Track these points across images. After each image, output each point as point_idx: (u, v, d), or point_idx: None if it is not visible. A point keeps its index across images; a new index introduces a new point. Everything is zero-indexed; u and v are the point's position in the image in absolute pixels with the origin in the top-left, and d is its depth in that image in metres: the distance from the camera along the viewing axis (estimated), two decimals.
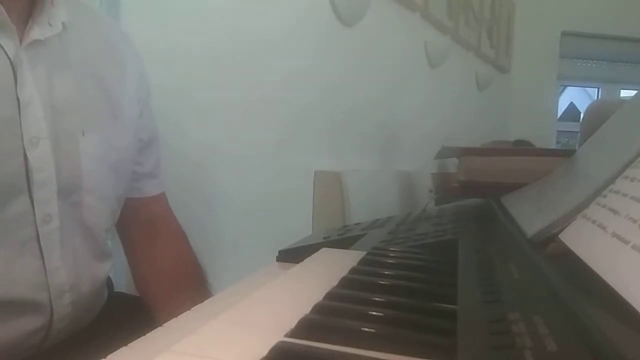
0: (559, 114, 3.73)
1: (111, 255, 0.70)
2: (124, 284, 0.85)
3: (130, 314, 0.70)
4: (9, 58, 0.54)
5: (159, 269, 0.75)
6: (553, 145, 3.44)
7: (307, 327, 0.29)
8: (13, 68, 0.54)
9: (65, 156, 0.59)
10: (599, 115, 0.75)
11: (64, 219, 0.59)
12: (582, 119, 1.35)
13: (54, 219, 0.57)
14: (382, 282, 0.38)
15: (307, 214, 1.30)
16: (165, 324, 0.35)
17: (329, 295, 0.35)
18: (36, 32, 0.56)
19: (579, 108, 3.99)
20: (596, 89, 3.73)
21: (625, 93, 3.63)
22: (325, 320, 0.31)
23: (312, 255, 0.51)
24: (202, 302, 0.40)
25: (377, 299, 0.34)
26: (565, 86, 3.79)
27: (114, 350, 0.30)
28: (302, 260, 0.49)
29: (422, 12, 1.82)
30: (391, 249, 0.49)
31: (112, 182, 0.65)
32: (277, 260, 0.56)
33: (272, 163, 1.18)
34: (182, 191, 0.91)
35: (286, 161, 1.22)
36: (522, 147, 1.81)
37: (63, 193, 0.58)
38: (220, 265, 0.99)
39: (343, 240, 0.59)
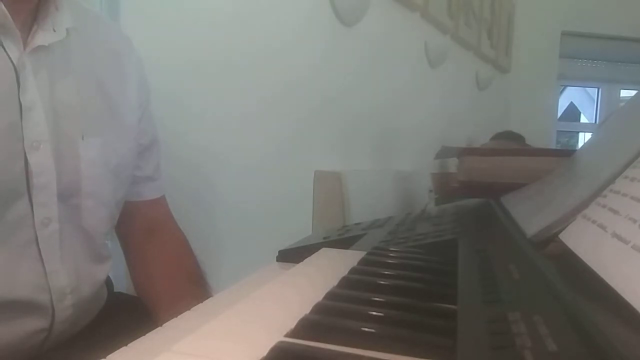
0: (559, 114, 3.73)
1: (110, 257, 0.70)
2: (124, 284, 0.85)
3: (130, 314, 0.70)
4: (12, 63, 0.54)
5: (157, 273, 0.75)
6: (553, 145, 3.43)
7: (307, 327, 0.29)
8: (16, 73, 0.54)
9: (65, 160, 0.59)
10: None
11: (63, 222, 0.59)
12: None
13: (53, 222, 0.58)
14: (382, 282, 0.38)
15: (307, 214, 1.30)
16: (165, 324, 0.35)
17: (329, 295, 0.35)
18: (40, 37, 0.57)
19: (579, 108, 3.99)
20: (596, 89, 3.73)
21: (625, 93, 3.63)
22: (325, 320, 0.31)
23: (312, 255, 0.51)
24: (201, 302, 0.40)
25: (377, 299, 0.34)
26: (565, 86, 3.79)
27: (114, 350, 0.30)
28: (302, 260, 0.49)
29: (422, 12, 1.82)
30: (391, 249, 0.49)
31: (111, 186, 0.66)
32: (277, 260, 0.56)
33: (272, 163, 1.18)
34: (183, 192, 0.91)
35: (286, 161, 1.22)
36: (522, 147, 1.81)
37: (63, 196, 0.58)
38: (220, 265, 0.99)
39: (343, 240, 0.59)
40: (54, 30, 0.58)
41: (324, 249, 0.54)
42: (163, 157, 0.79)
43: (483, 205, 0.73)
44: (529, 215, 0.48)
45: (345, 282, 0.38)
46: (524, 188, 0.65)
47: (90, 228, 0.63)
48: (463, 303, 0.31)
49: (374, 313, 0.31)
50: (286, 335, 0.29)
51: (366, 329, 0.29)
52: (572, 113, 3.97)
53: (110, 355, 0.29)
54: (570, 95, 3.96)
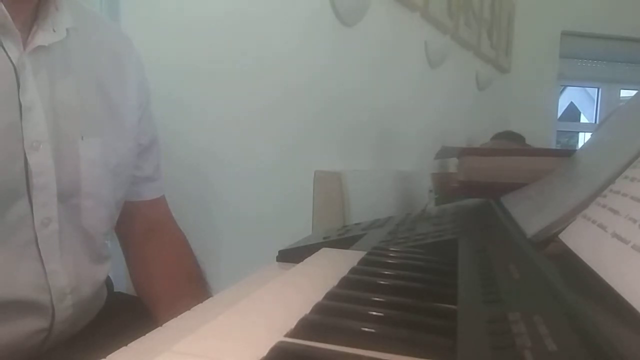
0: (559, 114, 3.73)
1: (110, 257, 0.70)
2: (124, 284, 0.85)
3: (130, 314, 0.70)
4: (12, 63, 0.54)
5: (157, 272, 0.75)
6: (553, 145, 3.44)
7: (307, 327, 0.29)
8: (16, 73, 0.54)
9: (65, 160, 0.59)
10: None
11: (63, 223, 0.59)
12: None
13: (53, 223, 0.58)
14: (382, 282, 0.38)
15: (307, 214, 1.30)
16: (165, 324, 0.35)
17: (329, 295, 0.35)
18: (40, 38, 0.57)
19: (579, 108, 3.99)
20: (596, 89, 3.74)
21: (625, 93, 3.63)
22: (325, 320, 0.31)
23: (312, 255, 0.51)
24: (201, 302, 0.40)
25: (377, 299, 0.34)
26: (565, 86, 3.79)
27: (114, 350, 0.30)
28: (302, 260, 0.49)
29: (422, 12, 1.82)
30: (391, 249, 0.49)
31: (111, 187, 0.66)
32: (277, 260, 0.56)
33: (272, 163, 1.18)
34: (183, 192, 0.91)
35: (286, 162, 1.22)
36: (522, 147, 1.81)
37: (62, 197, 0.58)
38: (220, 265, 0.99)
39: (343, 240, 0.59)
40: (54, 31, 0.58)
41: (324, 249, 0.54)
42: (163, 157, 0.79)
43: (483, 205, 0.73)
44: (529, 215, 0.48)
45: (345, 282, 0.38)
46: (524, 188, 0.65)
47: (90, 228, 0.63)
48: (463, 303, 0.31)
49: (374, 313, 0.31)
50: (286, 335, 0.29)
51: (366, 329, 0.29)
52: (572, 113, 3.98)
53: (110, 355, 0.29)
54: (570, 95, 3.96)
